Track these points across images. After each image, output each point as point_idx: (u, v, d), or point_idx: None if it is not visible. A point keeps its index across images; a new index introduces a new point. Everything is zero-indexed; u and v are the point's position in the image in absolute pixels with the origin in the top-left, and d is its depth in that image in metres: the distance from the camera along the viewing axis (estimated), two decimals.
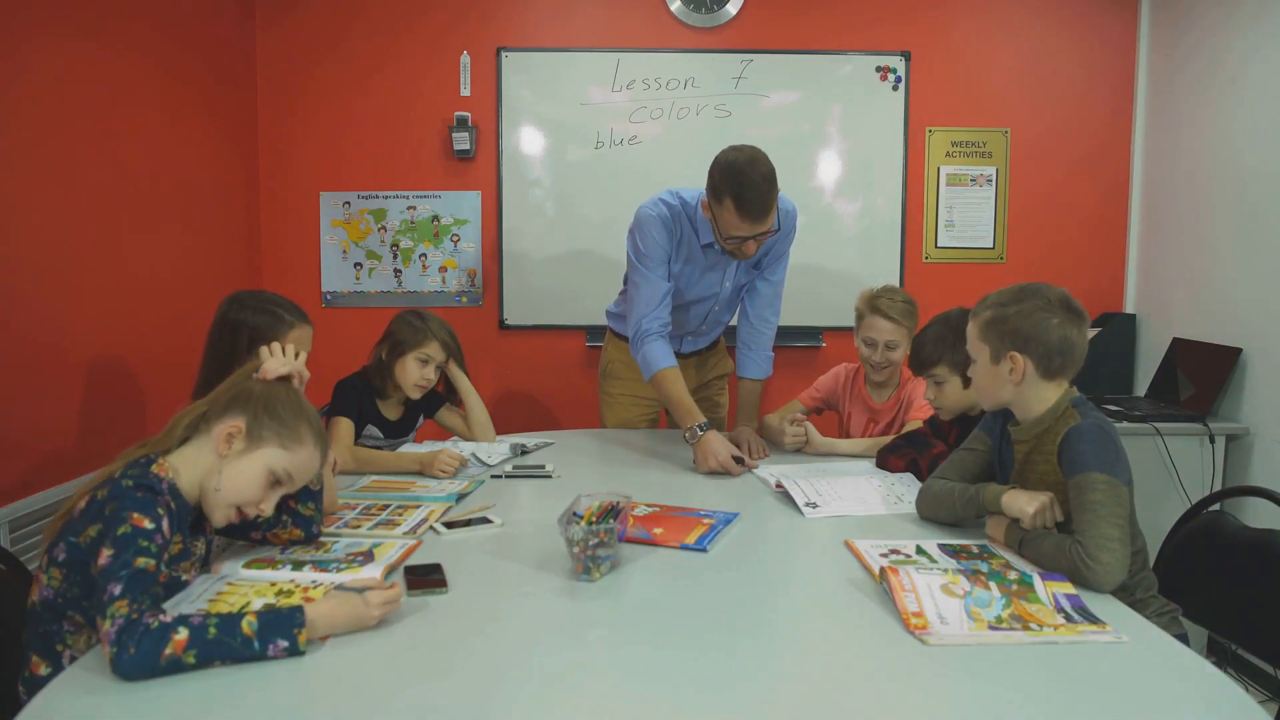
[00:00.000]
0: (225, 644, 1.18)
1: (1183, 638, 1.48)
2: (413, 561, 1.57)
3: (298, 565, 1.52)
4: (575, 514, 1.58)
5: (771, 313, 2.60)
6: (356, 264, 3.63)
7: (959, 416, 2.12)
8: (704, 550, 1.67)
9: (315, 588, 1.43)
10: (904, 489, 2.01)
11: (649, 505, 1.90)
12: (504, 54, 3.54)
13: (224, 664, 1.18)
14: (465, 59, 3.55)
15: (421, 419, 2.62)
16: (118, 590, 1.19)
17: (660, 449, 2.50)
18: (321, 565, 1.52)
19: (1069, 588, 1.41)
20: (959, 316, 2.01)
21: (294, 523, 1.62)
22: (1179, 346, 3.31)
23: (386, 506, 1.90)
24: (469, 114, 3.52)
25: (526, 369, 3.65)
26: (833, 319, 3.55)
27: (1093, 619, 1.34)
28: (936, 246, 3.67)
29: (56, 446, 2.37)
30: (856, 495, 1.99)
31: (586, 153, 3.57)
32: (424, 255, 3.63)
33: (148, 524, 1.27)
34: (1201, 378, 3.14)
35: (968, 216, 3.66)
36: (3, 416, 2.18)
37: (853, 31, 3.56)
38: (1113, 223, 3.67)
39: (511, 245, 3.61)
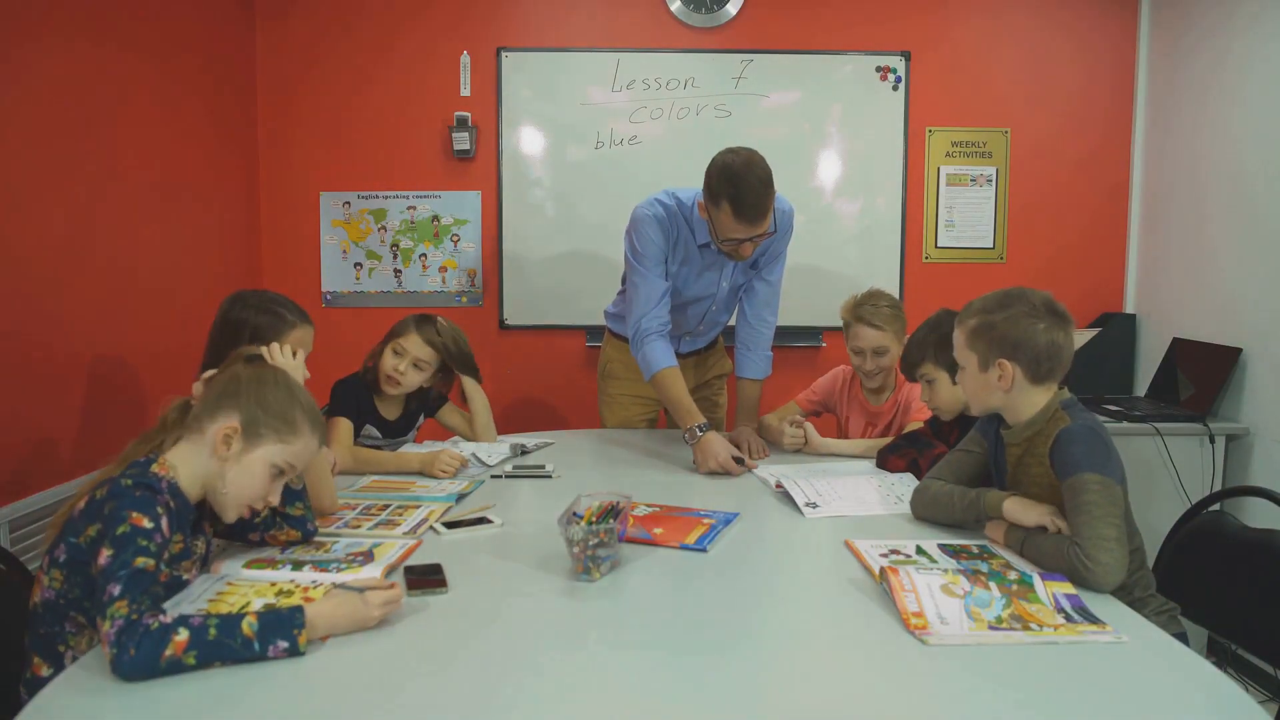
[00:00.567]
0: (225, 645, 1.18)
1: (1181, 636, 1.48)
2: (413, 561, 1.57)
3: (297, 565, 1.52)
4: (575, 514, 1.58)
5: (770, 312, 2.60)
6: (356, 264, 3.63)
7: (960, 417, 2.12)
8: (704, 550, 1.67)
9: (315, 588, 1.43)
10: (904, 489, 2.01)
11: (649, 505, 1.91)
12: (504, 54, 3.54)
13: (224, 665, 1.18)
14: (465, 59, 3.55)
15: (422, 418, 2.62)
16: (117, 590, 1.19)
17: (660, 449, 2.50)
18: (321, 565, 1.52)
19: (1069, 588, 1.41)
20: (941, 316, 2.07)
21: (288, 525, 1.62)
22: (1179, 346, 3.31)
23: (386, 506, 1.90)
24: (469, 114, 3.52)
25: (526, 369, 3.65)
26: (833, 319, 3.49)
27: (1093, 619, 1.34)
28: (936, 246, 3.67)
29: (56, 446, 2.37)
30: (856, 495, 1.99)
31: (586, 153, 3.57)
32: (424, 255, 3.63)
33: (147, 523, 1.27)
34: (1201, 378, 3.14)
35: (968, 216, 3.66)
36: (3, 416, 2.18)
37: (853, 31, 3.56)
38: (1113, 223, 3.67)
39: (511, 245, 3.61)
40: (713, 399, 2.85)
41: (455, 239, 3.62)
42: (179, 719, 1.09)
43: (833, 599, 1.47)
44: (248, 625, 1.20)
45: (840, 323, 2.60)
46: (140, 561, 1.23)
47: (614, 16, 3.55)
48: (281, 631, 1.21)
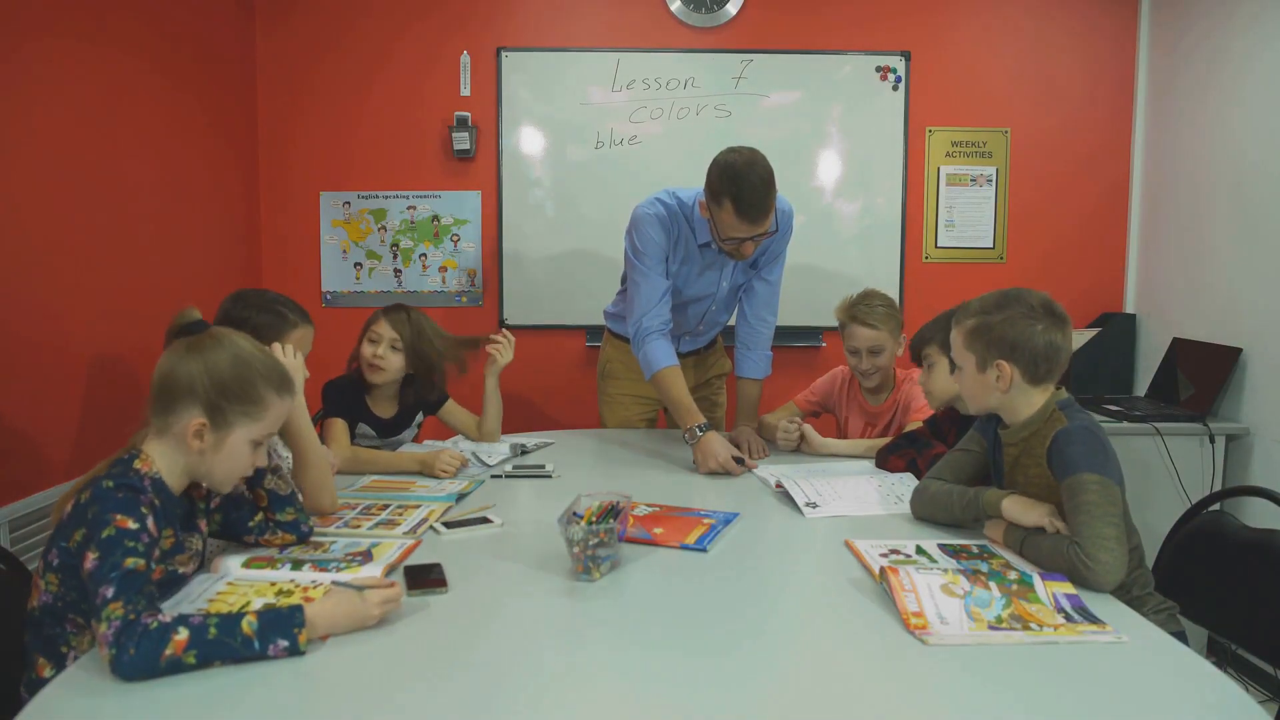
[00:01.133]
0: (225, 644, 1.18)
1: (1180, 635, 1.48)
2: (413, 561, 1.57)
3: (297, 565, 1.52)
4: (575, 514, 1.58)
5: (769, 312, 2.60)
6: (356, 264, 3.63)
7: (958, 416, 2.12)
8: (704, 550, 1.67)
9: (315, 587, 1.43)
10: (903, 489, 2.01)
11: (649, 505, 1.91)
12: (504, 54, 3.54)
13: (224, 664, 1.18)
14: (465, 59, 3.55)
15: (421, 416, 2.61)
16: (110, 593, 1.18)
17: (660, 449, 2.50)
18: (321, 565, 1.52)
19: (1069, 588, 1.41)
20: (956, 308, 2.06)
21: (282, 530, 1.63)
22: (1179, 346, 3.31)
23: (386, 506, 1.90)
24: (469, 114, 3.52)
25: (526, 369, 3.63)
26: (833, 319, 3.51)
27: (1093, 619, 1.34)
28: (936, 246, 3.67)
29: (56, 446, 2.37)
30: (856, 495, 1.99)
31: (586, 153, 3.57)
32: (424, 255, 3.63)
33: (132, 524, 1.25)
34: (1201, 378, 3.14)
35: (968, 216, 3.66)
36: (3, 416, 2.18)
37: (853, 31, 3.56)
38: (1113, 223, 3.67)
39: (511, 245, 3.61)
40: (712, 399, 2.85)
41: (455, 239, 3.62)
42: (179, 719, 1.09)
43: (833, 599, 1.47)
44: (247, 624, 1.20)
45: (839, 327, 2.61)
46: (130, 562, 1.22)
47: (614, 16, 3.55)
48: (281, 630, 1.21)
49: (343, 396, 2.40)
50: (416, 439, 2.65)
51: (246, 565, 1.51)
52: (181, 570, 1.43)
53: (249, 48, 3.51)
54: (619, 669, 1.23)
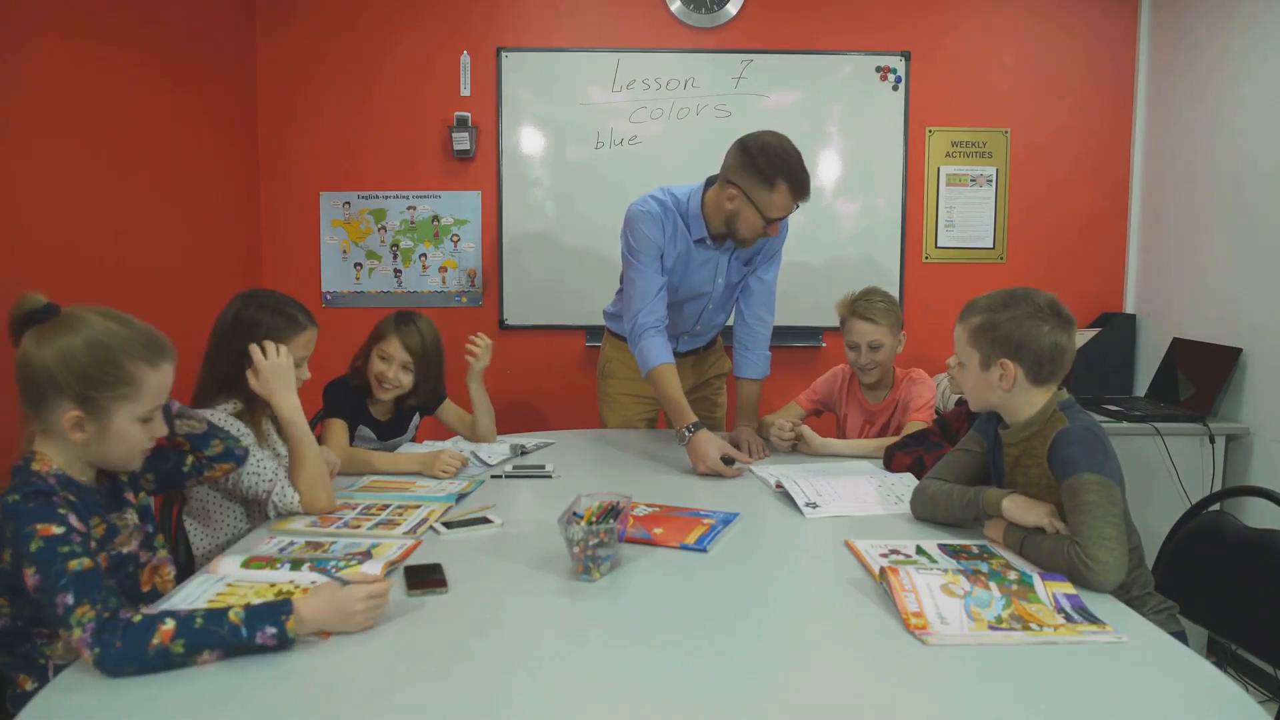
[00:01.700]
0: (213, 632, 1.17)
1: (1180, 635, 1.48)
2: (413, 561, 1.57)
3: (296, 565, 1.52)
4: (575, 514, 1.58)
5: (767, 312, 2.60)
6: (356, 264, 3.63)
7: (972, 416, 2.12)
8: (704, 550, 1.67)
9: (315, 587, 1.42)
10: (904, 489, 2.01)
11: (649, 505, 1.90)
12: (504, 54, 3.54)
13: (213, 653, 1.17)
14: (465, 59, 3.55)
15: (418, 418, 2.61)
16: (70, 600, 1.16)
17: (660, 449, 2.50)
18: (321, 565, 1.52)
19: (1069, 588, 1.41)
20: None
21: (218, 463, 1.63)
22: (1179, 346, 3.31)
23: (386, 506, 1.90)
24: (469, 114, 3.52)
25: (526, 369, 3.64)
26: (833, 319, 3.47)
27: (1093, 619, 1.34)
28: (936, 246, 3.67)
29: None
30: (856, 495, 1.99)
31: (586, 153, 3.57)
32: (424, 255, 3.63)
33: (56, 529, 1.21)
34: (1201, 378, 3.14)
35: (968, 216, 3.66)
36: (2, 416, 2.18)
37: (853, 31, 3.56)
38: (1113, 223, 3.67)
39: (511, 245, 3.61)
40: (712, 399, 2.85)
41: (455, 239, 3.62)
42: (177, 718, 1.09)
43: (833, 599, 1.47)
44: (234, 614, 1.19)
45: (839, 322, 2.62)
46: (75, 565, 1.19)
47: (614, 16, 3.55)
48: (270, 618, 1.20)
49: (344, 398, 2.39)
50: (415, 439, 2.65)
51: (246, 565, 1.51)
52: (125, 550, 1.39)
53: (249, 48, 3.51)
54: (619, 669, 1.23)
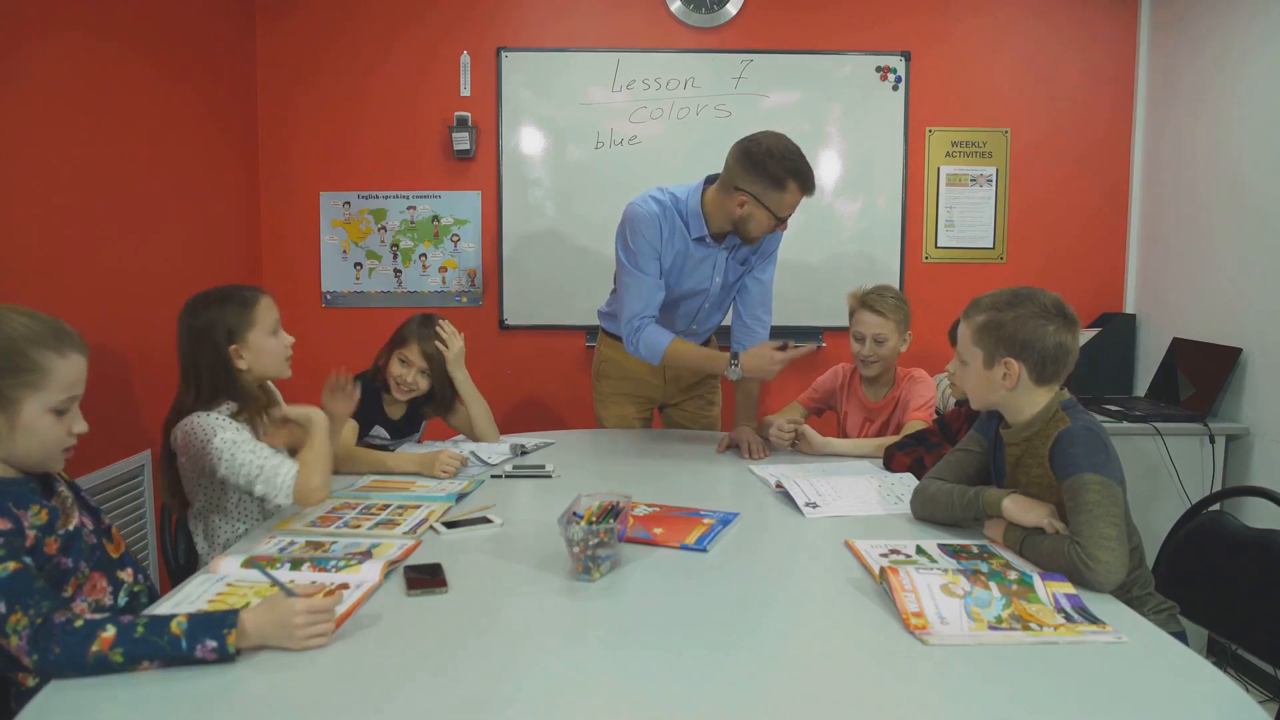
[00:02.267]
0: (151, 643, 1.16)
1: (1180, 635, 1.48)
2: (413, 561, 1.57)
3: (296, 565, 1.52)
4: (575, 514, 1.58)
5: (764, 311, 2.60)
6: (356, 264, 3.63)
7: (972, 416, 2.12)
8: (704, 550, 1.67)
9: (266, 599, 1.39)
10: (904, 489, 2.01)
11: (649, 505, 1.90)
12: (504, 54, 3.53)
13: (153, 663, 1.16)
14: (465, 59, 3.55)
15: (426, 419, 2.62)
16: (2, 608, 1.15)
17: (660, 449, 2.50)
18: (320, 565, 1.52)
19: (1069, 588, 1.41)
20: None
21: None
22: (1179, 346, 3.31)
23: (386, 506, 1.90)
24: (469, 114, 3.52)
25: (526, 369, 3.64)
26: (833, 319, 3.54)
27: (1093, 619, 1.34)
28: (936, 246, 3.67)
29: None
30: (856, 495, 1.99)
31: (586, 153, 3.57)
32: (424, 255, 3.63)
33: None
34: (1201, 378, 3.14)
35: (968, 216, 3.66)
36: None
37: (853, 31, 3.56)
38: (1113, 223, 3.67)
39: (511, 245, 3.61)
40: (707, 399, 2.85)
41: (455, 239, 3.62)
42: (174, 717, 1.09)
43: (833, 599, 1.47)
44: (176, 625, 1.18)
45: (842, 322, 2.63)
46: (0, 569, 1.17)
47: (614, 16, 3.55)
48: (210, 631, 1.18)
49: (364, 398, 2.39)
50: (419, 439, 2.65)
51: (245, 564, 1.51)
52: (72, 526, 1.36)
53: (249, 47, 3.50)
54: (619, 669, 1.23)
